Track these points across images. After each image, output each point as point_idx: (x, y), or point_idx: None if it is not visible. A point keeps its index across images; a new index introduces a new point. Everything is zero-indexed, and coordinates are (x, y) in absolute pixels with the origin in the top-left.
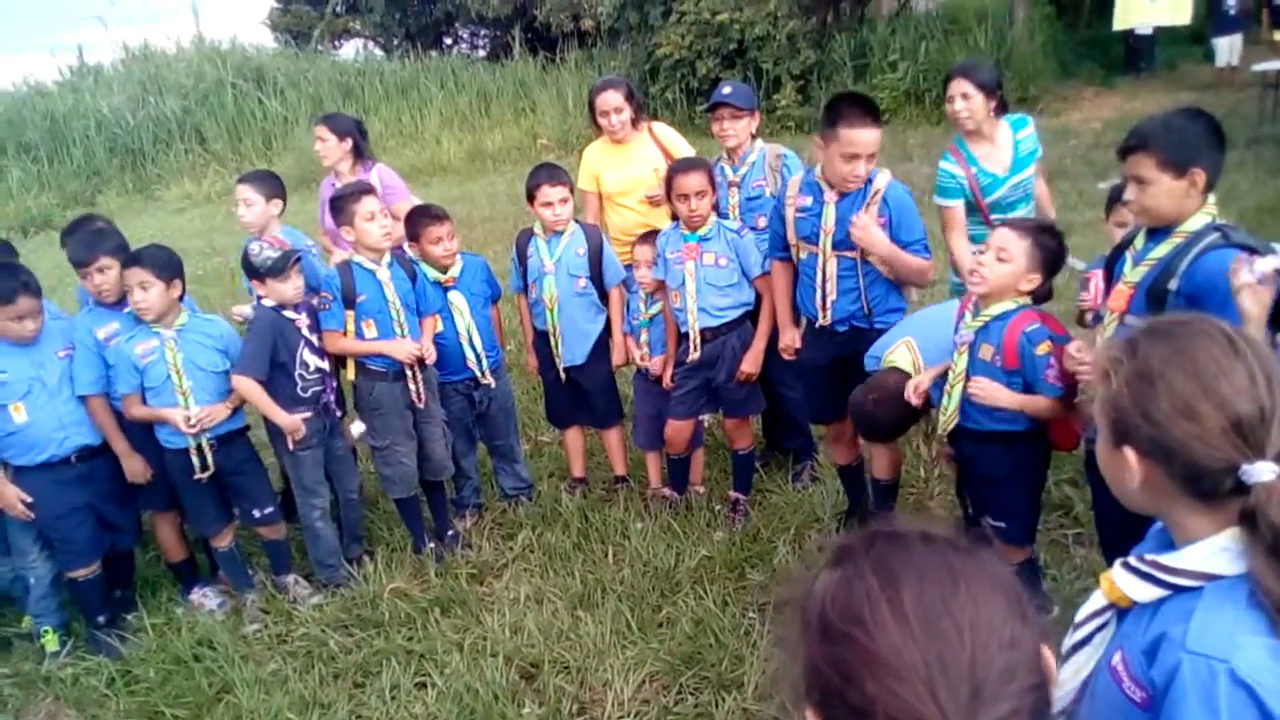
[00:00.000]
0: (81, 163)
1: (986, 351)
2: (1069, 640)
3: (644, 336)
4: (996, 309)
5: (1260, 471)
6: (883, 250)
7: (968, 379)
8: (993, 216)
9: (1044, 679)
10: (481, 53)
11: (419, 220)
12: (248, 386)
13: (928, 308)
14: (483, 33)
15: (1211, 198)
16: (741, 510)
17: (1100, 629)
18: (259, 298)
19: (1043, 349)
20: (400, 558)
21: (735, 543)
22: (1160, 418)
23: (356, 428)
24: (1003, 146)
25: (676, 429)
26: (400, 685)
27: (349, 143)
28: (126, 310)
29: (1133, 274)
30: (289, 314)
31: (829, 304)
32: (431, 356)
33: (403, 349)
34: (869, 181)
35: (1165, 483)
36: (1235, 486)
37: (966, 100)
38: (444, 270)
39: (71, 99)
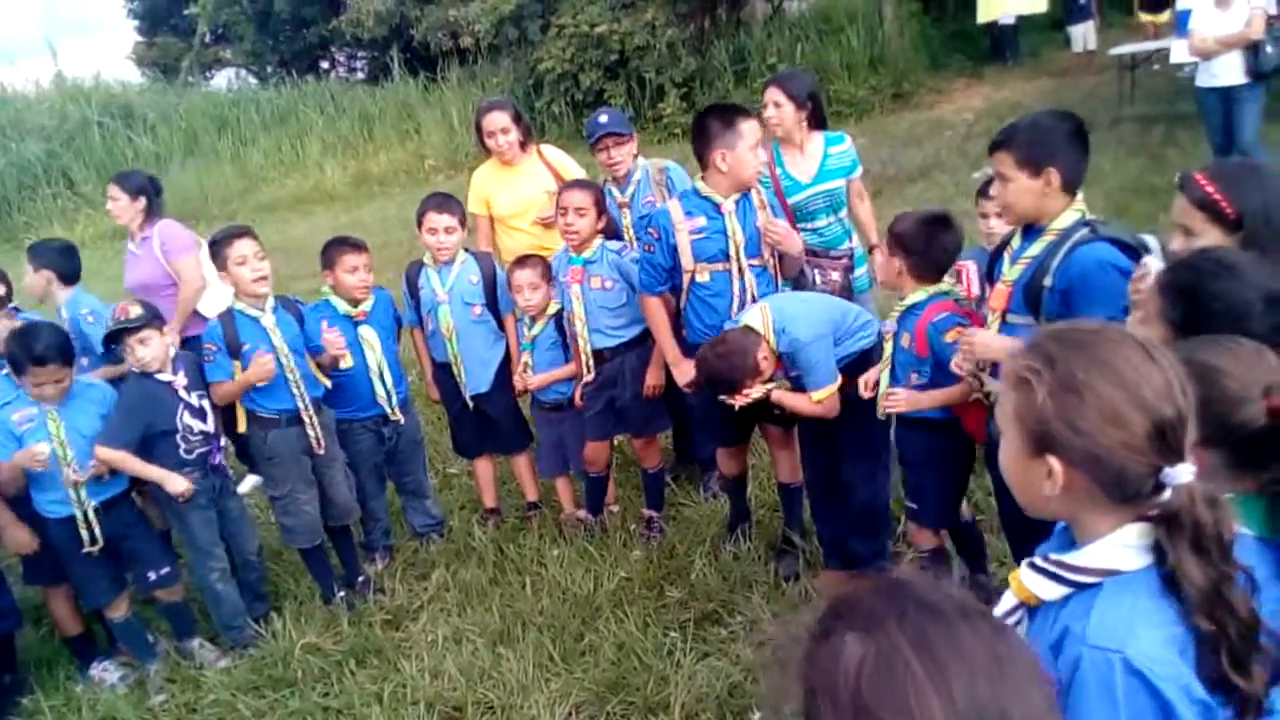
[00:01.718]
0: None
1: (905, 339)
2: None
3: (525, 358)
4: (911, 299)
5: (1181, 473)
6: (798, 245)
7: (894, 367)
8: (797, 222)
9: None
10: (360, 75)
11: (335, 248)
12: (111, 456)
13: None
14: (360, 54)
15: (1080, 196)
16: (656, 527)
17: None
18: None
19: (950, 336)
20: (309, 610)
21: (653, 561)
22: (1088, 428)
23: (246, 483)
24: (811, 156)
25: (594, 449)
26: None
27: (142, 201)
28: (3, 372)
29: (1010, 273)
30: (163, 377)
31: None
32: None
33: (260, 369)
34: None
35: (1087, 488)
36: (1153, 487)
37: (778, 109)
38: (356, 304)
39: None
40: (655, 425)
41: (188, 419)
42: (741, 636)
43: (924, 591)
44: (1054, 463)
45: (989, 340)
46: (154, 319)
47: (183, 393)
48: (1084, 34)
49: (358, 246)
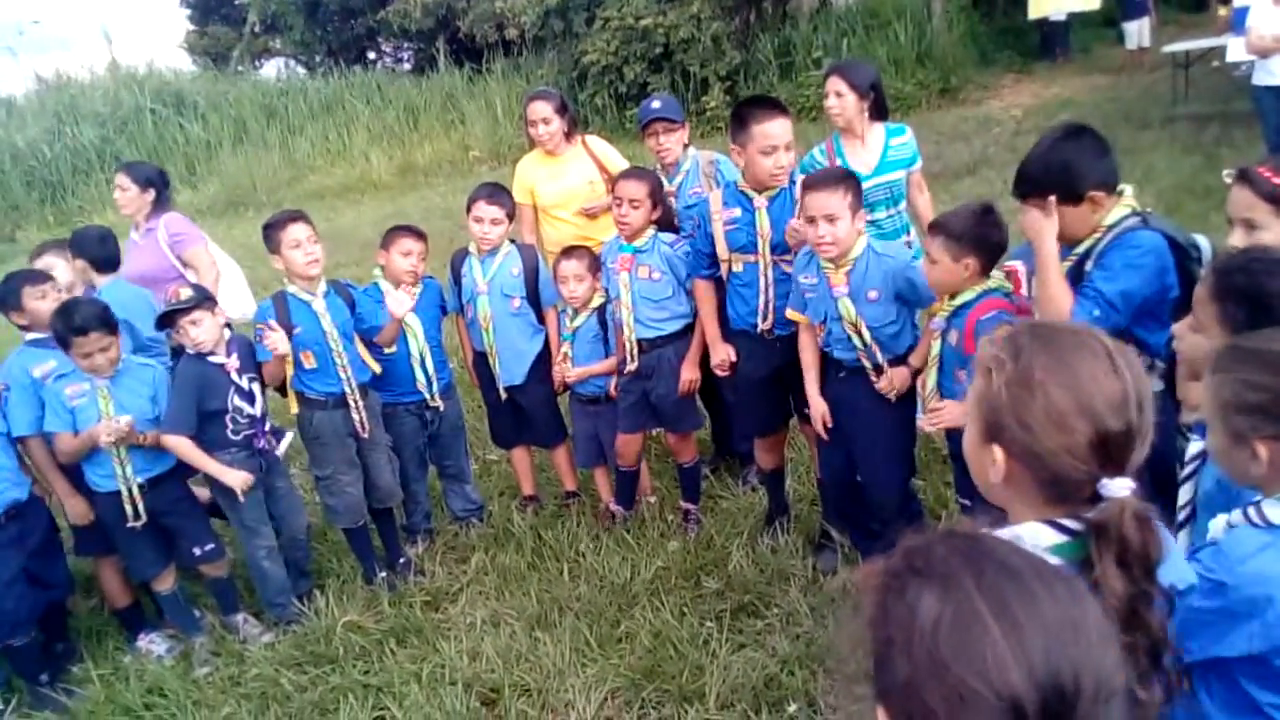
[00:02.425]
0: None
1: (953, 337)
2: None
3: (565, 349)
4: (960, 299)
5: (1117, 488)
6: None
7: (941, 365)
8: None
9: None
10: (406, 66)
11: (396, 230)
12: (176, 444)
13: None
14: (406, 46)
15: (1128, 190)
16: (693, 519)
17: None
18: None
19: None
20: (351, 589)
21: (690, 551)
22: (1034, 425)
23: (285, 442)
24: (872, 148)
25: (625, 442)
26: None
27: (151, 193)
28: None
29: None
30: (215, 358)
31: (772, 310)
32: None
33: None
34: (793, 183)
35: (1025, 482)
36: (1090, 495)
37: (839, 98)
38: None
39: None
40: (689, 422)
41: (237, 401)
42: (778, 629)
43: (1001, 551)
44: (998, 453)
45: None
46: (205, 300)
47: (234, 375)
48: (1139, 30)
49: (418, 235)
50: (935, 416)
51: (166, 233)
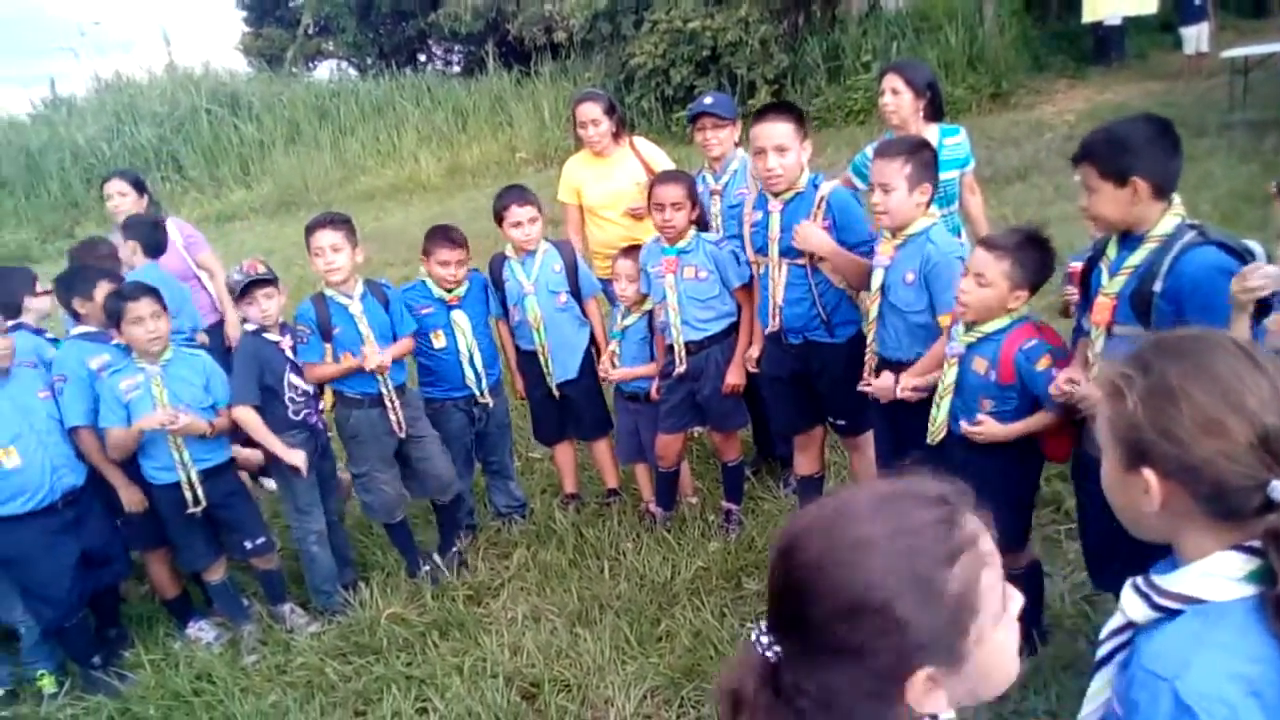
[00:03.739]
0: (58, 195)
1: (980, 365)
2: (1096, 656)
3: (613, 347)
4: (990, 327)
5: None
6: (824, 249)
7: (958, 391)
8: None
9: None
10: (456, 68)
11: (433, 239)
12: (245, 416)
13: None
14: (456, 49)
15: (1177, 198)
16: (735, 520)
17: (1120, 648)
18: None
19: (1043, 364)
20: (395, 582)
21: (731, 552)
22: (1183, 435)
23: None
24: None
25: (665, 443)
26: (401, 712)
27: (145, 198)
28: (114, 342)
29: (1111, 285)
30: (271, 336)
31: (778, 311)
32: (387, 362)
33: (370, 361)
34: (814, 187)
35: (1185, 504)
36: (1261, 504)
37: (896, 95)
38: (448, 290)
39: (46, 131)
40: (734, 420)
41: (292, 377)
42: None
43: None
44: (1150, 476)
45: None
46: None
47: (289, 353)
48: (1197, 35)
49: (455, 242)
50: (978, 430)
51: (180, 235)
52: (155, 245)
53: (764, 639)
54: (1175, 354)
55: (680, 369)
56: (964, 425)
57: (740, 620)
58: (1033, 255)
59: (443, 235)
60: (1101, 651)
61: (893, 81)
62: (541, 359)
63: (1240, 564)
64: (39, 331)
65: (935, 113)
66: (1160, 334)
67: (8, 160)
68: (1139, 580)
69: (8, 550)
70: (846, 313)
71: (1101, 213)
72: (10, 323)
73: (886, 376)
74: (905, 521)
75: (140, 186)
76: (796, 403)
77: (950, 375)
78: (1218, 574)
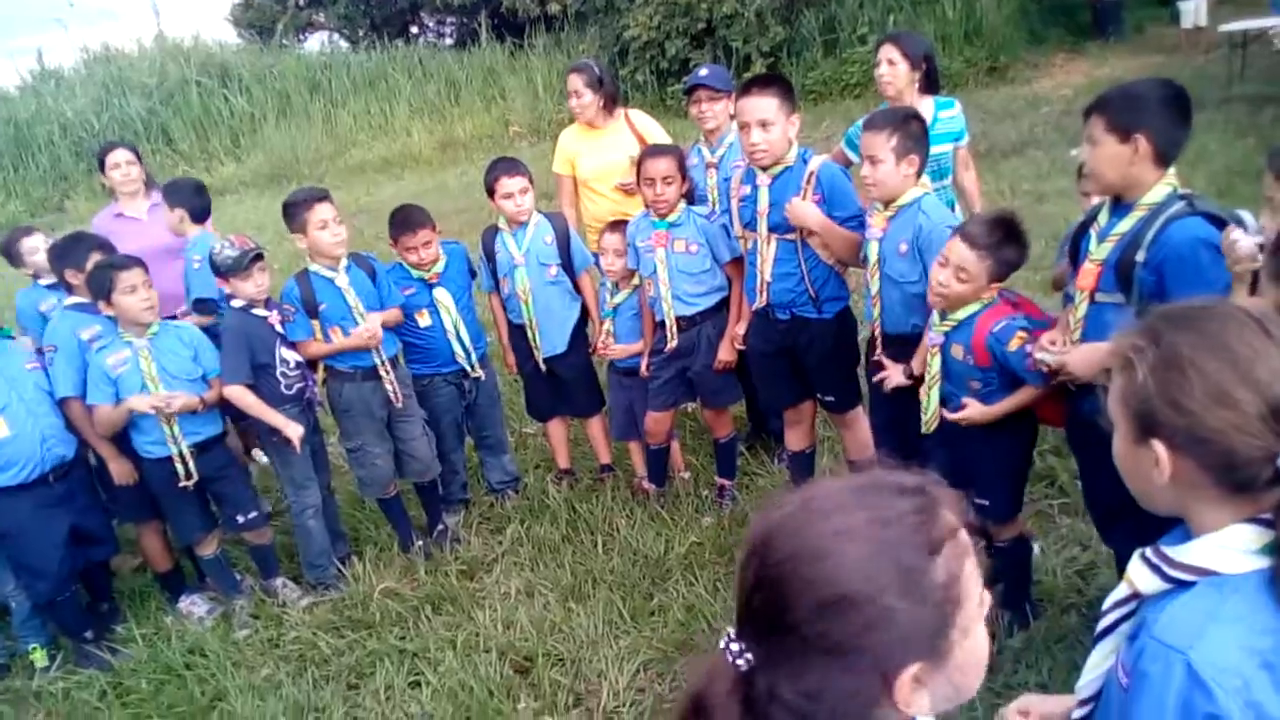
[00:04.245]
0: (48, 168)
1: (958, 351)
2: (1098, 627)
3: (608, 325)
4: (962, 314)
5: None
6: (814, 223)
7: (946, 377)
8: None
9: None
10: (448, 41)
11: (395, 226)
12: (240, 395)
13: None
14: (449, 20)
15: (1172, 171)
16: (728, 495)
17: (1125, 618)
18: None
19: (1015, 343)
20: (389, 557)
21: (724, 527)
22: (1194, 406)
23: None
24: None
25: (655, 420)
26: (394, 685)
27: (143, 170)
28: (102, 315)
29: (1099, 251)
30: (259, 312)
31: (766, 286)
32: (379, 335)
33: (361, 337)
34: (804, 162)
35: (1195, 476)
36: (1271, 476)
37: (891, 66)
38: (426, 270)
39: (34, 104)
40: (726, 396)
41: (284, 351)
42: None
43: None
44: (1159, 448)
45: (1086, 358)
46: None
47: (278, 327)
48: (1195, 9)
49: (416, 225)
50: (964, 416)
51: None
52: (203, 210)
53: (733, 646)
54: (1186, 324)
55: (671, 344)
56: (945, 414)
57: (733, 595)
58: (1011, 250)
59: (402, 222)
60: (1104, 623)
61: (889, 52)
62: (530, 333)
63: (1253, 537)
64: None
65: (931, 85)
66: (1168, 306)
67: None
68: (1148, 551)
69: (0, 523)
70: (835, 289)
71: (1099, 169)
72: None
73: (896, 368)
74: (884, 511)
75: (139, 157)
76: (784, 378)
77: (935, 364)
78: (1231, 546)
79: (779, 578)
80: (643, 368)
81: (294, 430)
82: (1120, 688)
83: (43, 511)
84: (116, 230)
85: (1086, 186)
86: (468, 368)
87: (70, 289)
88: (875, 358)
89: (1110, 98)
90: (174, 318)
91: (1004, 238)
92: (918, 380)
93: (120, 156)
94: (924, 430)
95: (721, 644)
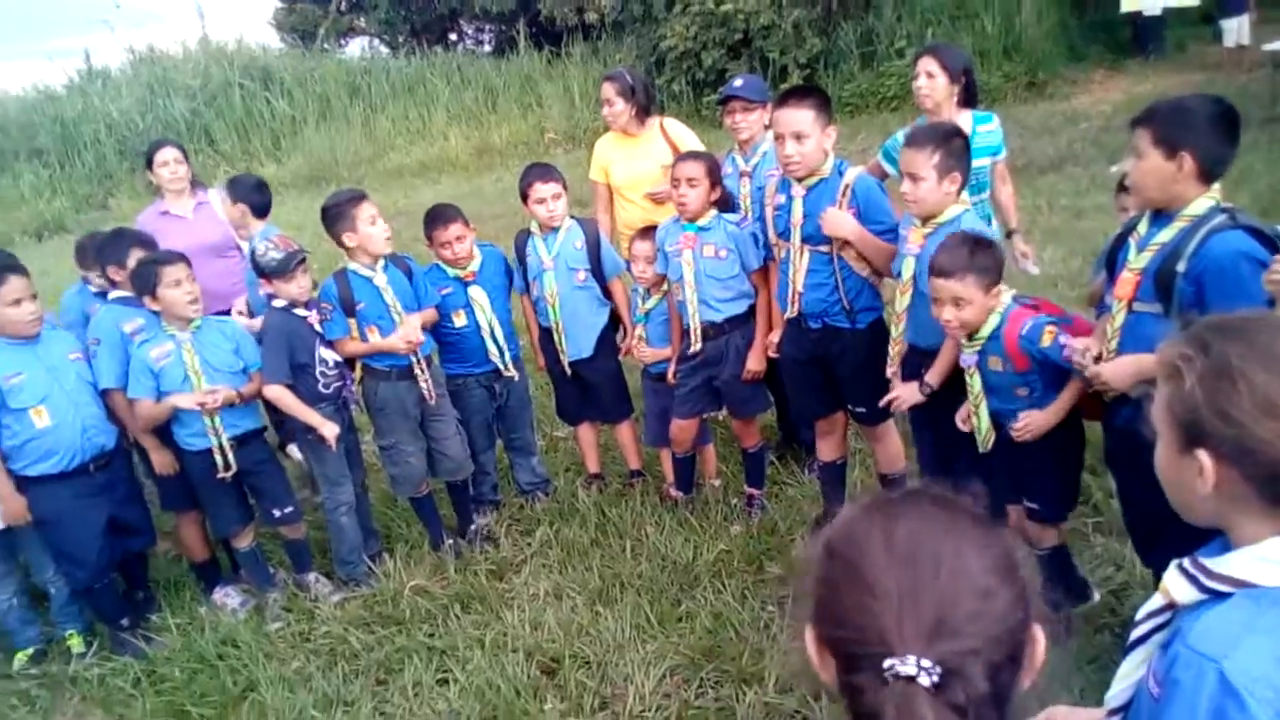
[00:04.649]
0: (93, 166)
1: (996, 363)
2: (1130, 637)
3: (640, 331)
4: (985, 330)
5: None
6: (850, 233)
7: (990, 393)
8: None
9: (1016, 642)
10: (487, 48)
11: (428, 223)
12: (280, 395)
13: None
14: (488, 28)
15: (1216, 186)
16: (757, 504)
17: (1158, 629)
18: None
19: (1047, 339)
20: (419, 555)
21: (753, 536)
22: (1242, 417)
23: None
24: None
25: (680, 428)
26: (422, 682)
27: (189, 168)
28: (150, 309)
29: (1137, 260)
30: (299, 312)
31: (797, 297)
32: (421, 338)
33: (400, 341)
34: (839, 174)
35: (1239, 488)
36: None
37: (930, 79)
38: (461, 268)
39: (80, 103)
40: (754, 406)
41: (323, 351)
42: None
43: (930, 490)
44: (1204, 458)
45: (1121, 369)
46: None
47: (318, 326)
48: (1238, 27)
49: (447, 219)
50: (1023, 431)
51: (224, 206)
52: (264, 206)
53: (923, 662)
54: (1235, 335)
55: (696, 347)
56: (1013, 431)
57: (761, 603)
58: (987, 256)
59: (434, 217)
60: (1137, 632)
61: (928, 64)
62: (556, 336)
63: None
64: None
65: (969, 99)
66: (1216, 316)
67: (44, 131)
68: (1185, 562)
69: (40, 510)
70: (868, 299)
71: (1142, 183)
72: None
73: (908, 386)
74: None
75: (186, 157)
76: (816, 388)
77: (976, 384)
78: (1271, 559)
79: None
80: (670, 374)
81: (330, 429)
82: (1151, 697)
83: (83, 500)
84: (162, 228)
85: (1126, 202)
86: (501, 366)
87: (113, 284)
88: (891, 372)
89: (1159, 111)
90: (225, 313)
91: (970, 250)
92: (935, 394)
93: (169, 154)
94: (981, 449)
95: (910, 672)
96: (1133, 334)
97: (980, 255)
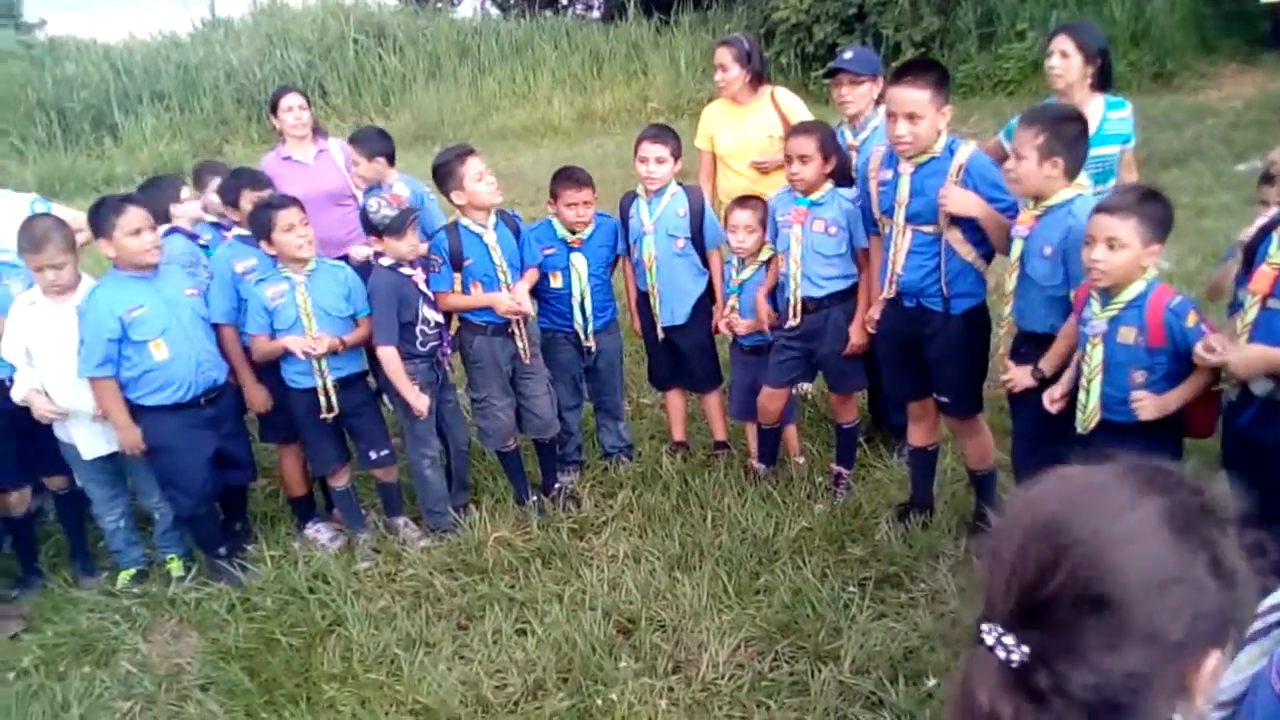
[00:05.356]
0: (210, 112)
1: (1128, 334)
2: (1250, 628)
3: (733, 302)
4: (1129, 293)
5: None
6: (976, 210)
7: (1106, 372)
8: None
9: (1158, 659)
10: (596, 13)
11: (560, 182)
12: (389, 357)
13: None
14: None
15: None
16: (844, 484)
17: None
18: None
19: (1192, 320)
20: (504, 508)
21: (836, 516)
22: None
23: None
24: (1089, 118)
25: (769, 396)
26: (502, 630)
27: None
28: (267, 252)
29: (1278, 255)
30: (405, 270)
31: (895, 277)
32: (528, 309)
33: (504, 303)
34: (950, 153)
35: None
36: None
37: (1065, 58)
38: (574, 232)
39: (203, 50)
40: (852, 382)
41: (426, 311)
42: (922, 604)
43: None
44: None
45: (1249, 357)
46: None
47: (422, 286)
48: None
49: (581, 182)
50: (1145, 406)
51: (344, 155)
52: (394, 154)
53: (1006, 640)
54: None
55: (793, 321)
56: (1132, 403)
57: (841, 583)
58: (1156, 208)
59: (568, 177)
60: (1256, 625)
61: (1063, 43)
62: (652, 300)
63: None
64: (193, 236)
65: (1103, 82)
66: None
67: (166, 76)
68: None
69: (153, 438)
70: (968, 285)
71: None
72: (165, 227)
73: (1022, 370)
74: (1170, 491)
75: (309, 103)
76: (909, 369)
77: (1096, 356)
78: None
79: (1084, 560)
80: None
81: (422, 403)
82: (1273, 692)
83: (192, 432)
84: (284, 173)
85: (1268, 194)
86: (583, 335)
87: (235, 223)
88: (1001, 353)
89: None
90: (345, 258)
91: (1142, 197)
92: (1047, 381)
93: (293, 100)
94: (1081, 430)
95: (989, 641)
96: (1266, 330)
97: (1150, 204)
